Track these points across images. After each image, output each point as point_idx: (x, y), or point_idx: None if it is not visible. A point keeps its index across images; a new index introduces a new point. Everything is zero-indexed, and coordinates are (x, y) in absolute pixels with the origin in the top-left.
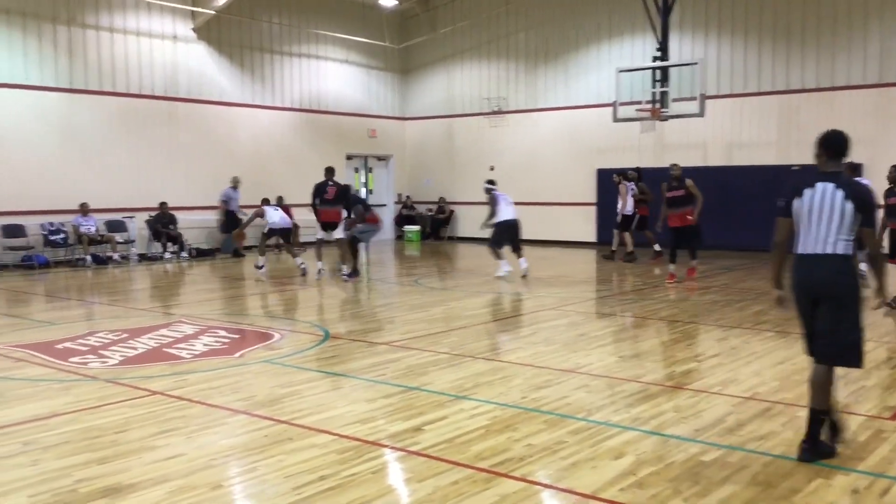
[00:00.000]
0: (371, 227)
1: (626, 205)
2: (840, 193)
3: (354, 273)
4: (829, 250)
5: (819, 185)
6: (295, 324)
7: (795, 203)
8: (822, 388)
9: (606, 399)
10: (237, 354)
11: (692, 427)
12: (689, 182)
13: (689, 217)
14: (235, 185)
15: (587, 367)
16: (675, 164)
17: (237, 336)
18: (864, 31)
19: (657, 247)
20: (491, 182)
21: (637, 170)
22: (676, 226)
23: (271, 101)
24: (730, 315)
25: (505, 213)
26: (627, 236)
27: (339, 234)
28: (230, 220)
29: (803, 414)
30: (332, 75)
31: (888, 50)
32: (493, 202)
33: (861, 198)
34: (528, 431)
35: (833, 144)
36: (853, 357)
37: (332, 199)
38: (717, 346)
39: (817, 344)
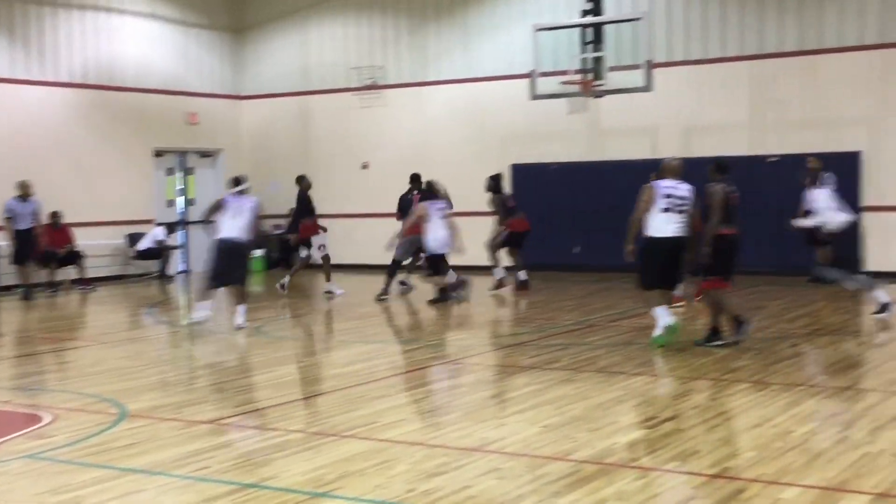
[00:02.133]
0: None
1: (429, 232)
2: None
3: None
4: None
5: None
6: (76, 398)
7: None
8: None
9: (525, 486)
10: None
11: None
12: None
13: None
14: (25, 193)
15: (498, 443)
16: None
17: None
18: None
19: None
20: (237, 181)
21: (495, 178)
22: None
23: (39, 73)
24: (689, 362)
25: (226, 228)
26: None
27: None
28: (22, 243)
29: (788, 496)
30: (131, 36)
31: (893, 1)
32: (214, 211)
33: None
34: None
35: None
36: None
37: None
38: (674, 405)
39: None
